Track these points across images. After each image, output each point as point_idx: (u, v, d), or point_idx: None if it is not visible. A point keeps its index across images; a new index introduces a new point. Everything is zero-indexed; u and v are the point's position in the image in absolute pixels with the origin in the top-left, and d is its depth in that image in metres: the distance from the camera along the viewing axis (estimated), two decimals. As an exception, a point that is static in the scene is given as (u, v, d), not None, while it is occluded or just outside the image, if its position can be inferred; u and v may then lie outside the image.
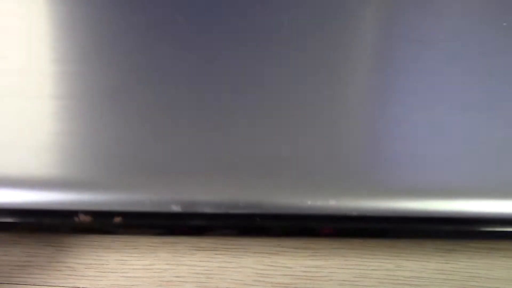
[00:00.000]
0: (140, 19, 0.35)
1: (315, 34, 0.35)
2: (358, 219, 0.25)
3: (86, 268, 0.28)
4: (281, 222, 0.26)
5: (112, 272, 0.28)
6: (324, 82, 0.32)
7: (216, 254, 0.29)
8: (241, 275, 0.28)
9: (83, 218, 0.25)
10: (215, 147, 0.27)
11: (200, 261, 0.29)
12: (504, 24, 0.37)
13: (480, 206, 0.26)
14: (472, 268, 0.29)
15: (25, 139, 0.27)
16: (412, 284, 0.28)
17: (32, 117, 0.28)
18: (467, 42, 0.36)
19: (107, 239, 0.29)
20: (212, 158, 0.26)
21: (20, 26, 0.35)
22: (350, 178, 0.26)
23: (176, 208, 0.24)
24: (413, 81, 0.33)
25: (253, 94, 0.30)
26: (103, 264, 0.28)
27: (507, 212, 0.26)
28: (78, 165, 0.26)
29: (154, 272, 0.28)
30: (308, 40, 0.34)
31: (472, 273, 0.29)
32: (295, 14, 0.37)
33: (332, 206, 0.25)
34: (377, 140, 0.29)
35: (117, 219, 0.25)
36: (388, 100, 0.32)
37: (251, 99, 0.30)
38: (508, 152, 0.29)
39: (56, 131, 0.28)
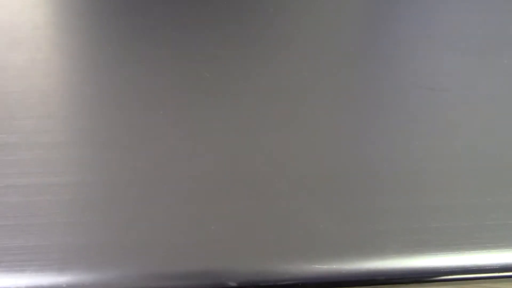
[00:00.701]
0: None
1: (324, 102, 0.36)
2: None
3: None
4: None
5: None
6: (332, 141, 0.34)
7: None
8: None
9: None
10: (257, 226, 0.29)
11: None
12: (505, 62, 0.39)
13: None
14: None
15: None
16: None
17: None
18: (471, 84, 0.37)
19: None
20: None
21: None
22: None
23: (232, 284, 0.27)
24: (420, 128, 0.34)
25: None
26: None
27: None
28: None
29: None
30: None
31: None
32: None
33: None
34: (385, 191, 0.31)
35: None
36: (390, 150, 0.33)
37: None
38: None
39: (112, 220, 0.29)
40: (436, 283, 0.29)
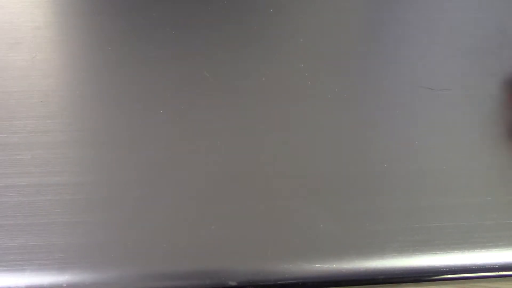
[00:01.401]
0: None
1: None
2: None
3: None
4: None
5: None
6: (334, 145, 0.33)
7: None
8: None
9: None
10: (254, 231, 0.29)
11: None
12: (505, 62, 0.39)
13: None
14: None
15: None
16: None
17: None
18: (471, 84, 0.37)
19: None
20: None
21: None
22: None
23: (232, 283, 0.27)
24: (420, 128, 0.34)
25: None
26: None
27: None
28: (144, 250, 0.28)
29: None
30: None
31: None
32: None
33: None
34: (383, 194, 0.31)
35: None
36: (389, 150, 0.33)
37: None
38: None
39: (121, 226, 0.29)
40: (436, 282, 0.29)
